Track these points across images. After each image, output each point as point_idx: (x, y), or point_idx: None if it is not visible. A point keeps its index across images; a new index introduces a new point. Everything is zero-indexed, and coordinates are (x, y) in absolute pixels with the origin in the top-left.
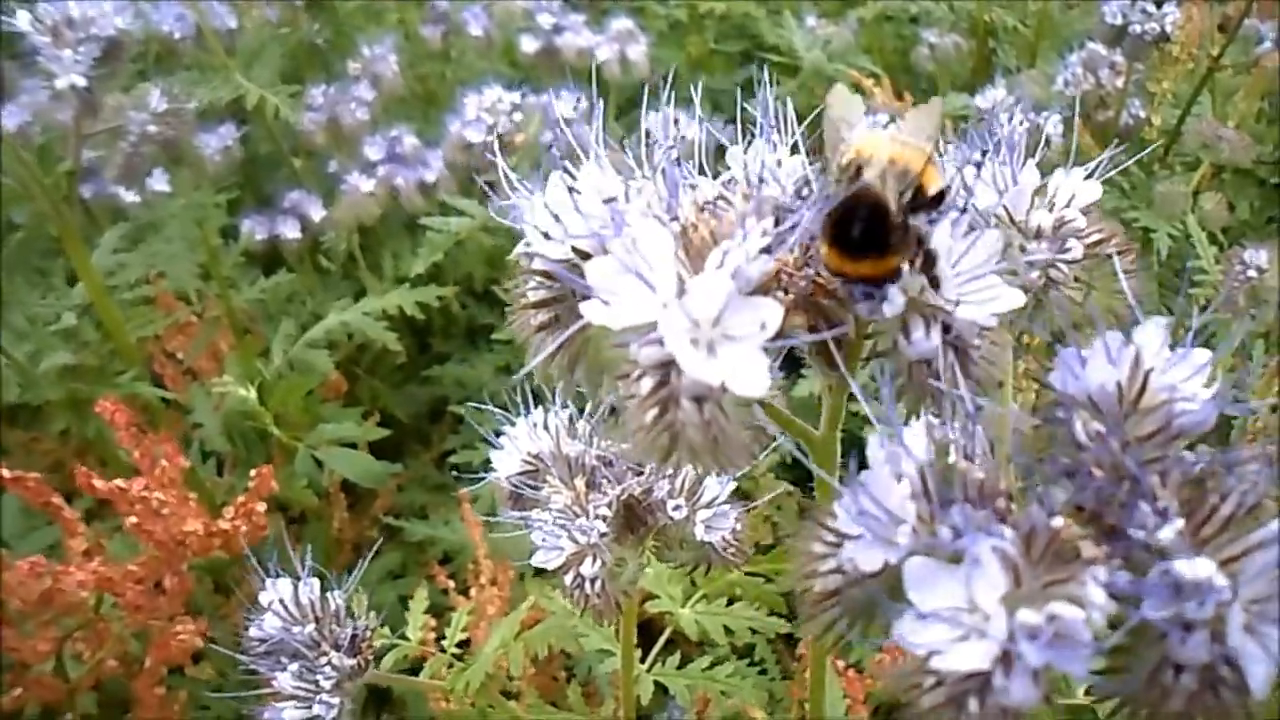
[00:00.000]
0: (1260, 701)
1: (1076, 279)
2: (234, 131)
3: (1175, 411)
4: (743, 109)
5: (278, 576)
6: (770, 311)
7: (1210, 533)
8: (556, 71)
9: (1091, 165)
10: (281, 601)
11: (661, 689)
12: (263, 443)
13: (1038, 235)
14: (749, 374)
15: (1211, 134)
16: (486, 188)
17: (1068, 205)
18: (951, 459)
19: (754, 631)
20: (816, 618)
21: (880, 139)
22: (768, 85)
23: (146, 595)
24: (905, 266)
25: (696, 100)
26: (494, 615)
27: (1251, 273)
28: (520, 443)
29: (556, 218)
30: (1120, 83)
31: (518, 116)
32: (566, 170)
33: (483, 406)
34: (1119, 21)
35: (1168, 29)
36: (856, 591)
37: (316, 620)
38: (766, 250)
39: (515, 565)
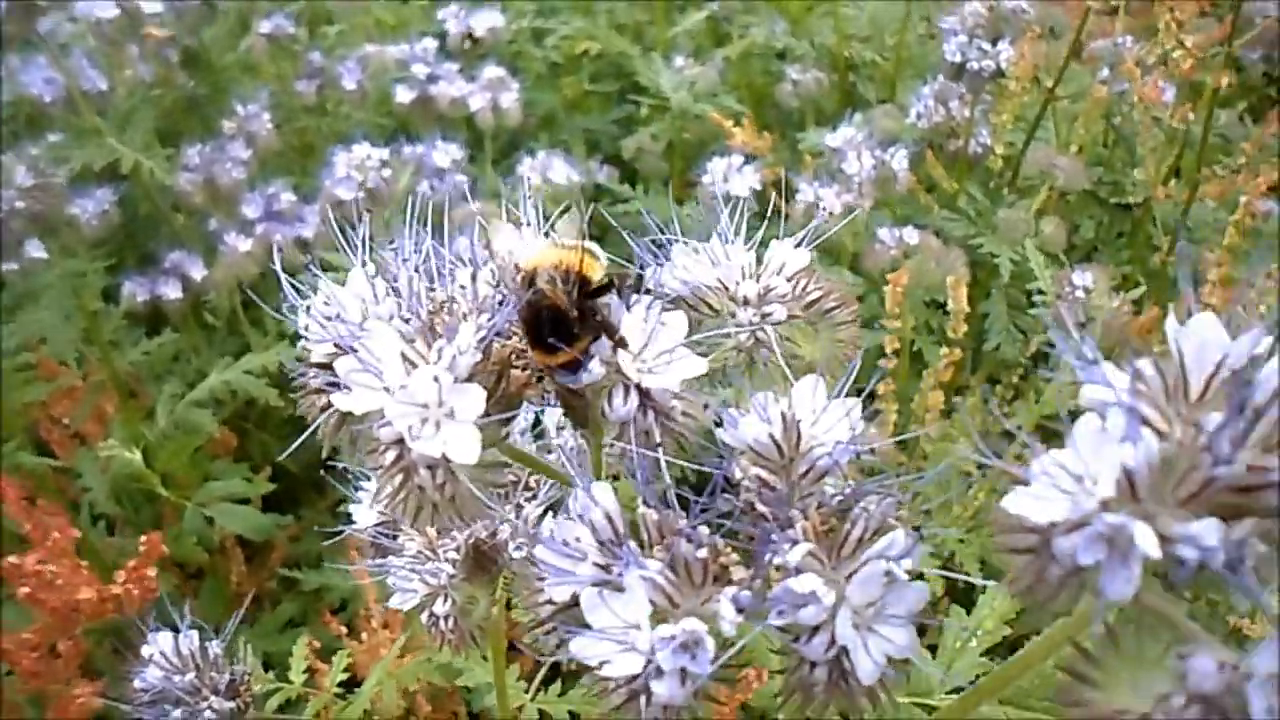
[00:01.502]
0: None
1: (787, 338)
2: (110, 195)
3: (816, 455)
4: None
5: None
6: (474, 397)
7: (848, 552)
8: (431, 120)
9: (800, 234)
10: (163, 653)
11: (547, 715)
12: (151, 503)
13: (746, 303)
14: (461, 445)
15: (1047, 162)
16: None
17: (777, 273)
18: (640, 506)
19: None
20: (537, 641)
21: (543, 250)
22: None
23: (42, 661)
24: (608, 344)
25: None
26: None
27: (1080, 293)
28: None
29: (321, 323)
30: (968, 113)
31: (387, 172)
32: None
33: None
34: (959, 58)
35: (1002, 65)
36: (565, 617)
37: (196, 669)
38: (482, 342)
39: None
